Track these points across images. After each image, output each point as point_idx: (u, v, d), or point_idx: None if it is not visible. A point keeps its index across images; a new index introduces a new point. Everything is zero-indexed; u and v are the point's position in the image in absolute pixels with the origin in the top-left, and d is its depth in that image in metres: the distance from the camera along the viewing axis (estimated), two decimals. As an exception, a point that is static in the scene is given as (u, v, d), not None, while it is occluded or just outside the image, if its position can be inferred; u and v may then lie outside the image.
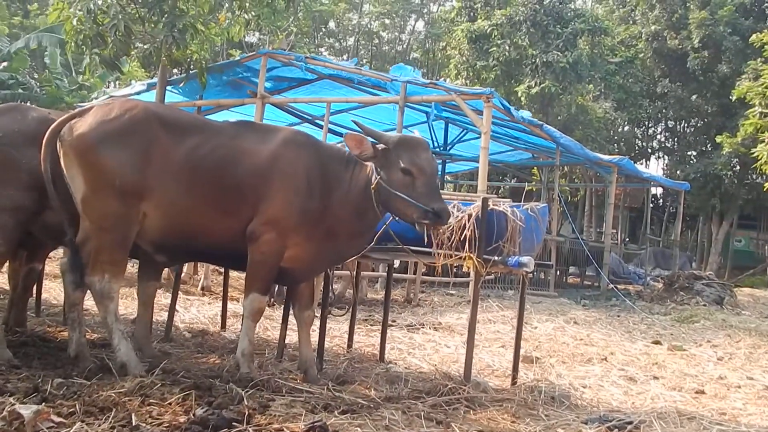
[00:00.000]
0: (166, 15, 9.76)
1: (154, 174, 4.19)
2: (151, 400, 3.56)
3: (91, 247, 4.19)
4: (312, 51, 28.28)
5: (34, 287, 5.95)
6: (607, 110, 25.72)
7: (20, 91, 17.52)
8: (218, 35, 11.54)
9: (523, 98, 22.38)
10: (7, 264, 5.91)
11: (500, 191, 25.52)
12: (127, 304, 6.77)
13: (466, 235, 4.61)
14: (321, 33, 38.70)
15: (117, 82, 20.86)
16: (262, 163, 4.33)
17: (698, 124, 28.79)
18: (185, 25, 9.70)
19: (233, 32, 11.33)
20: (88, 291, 4.40)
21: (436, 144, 15.95)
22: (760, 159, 14.94)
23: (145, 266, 4.84)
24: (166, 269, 6.44)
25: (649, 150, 32.20)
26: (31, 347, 4.72)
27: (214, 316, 7.17)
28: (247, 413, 3.42)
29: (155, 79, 12.25)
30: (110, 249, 4.19)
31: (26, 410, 3.03)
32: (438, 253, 4.70)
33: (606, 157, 16.76)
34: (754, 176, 24.13)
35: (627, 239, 27.90)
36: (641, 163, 30.33)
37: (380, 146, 4.30)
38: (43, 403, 3.33)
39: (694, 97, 26.52)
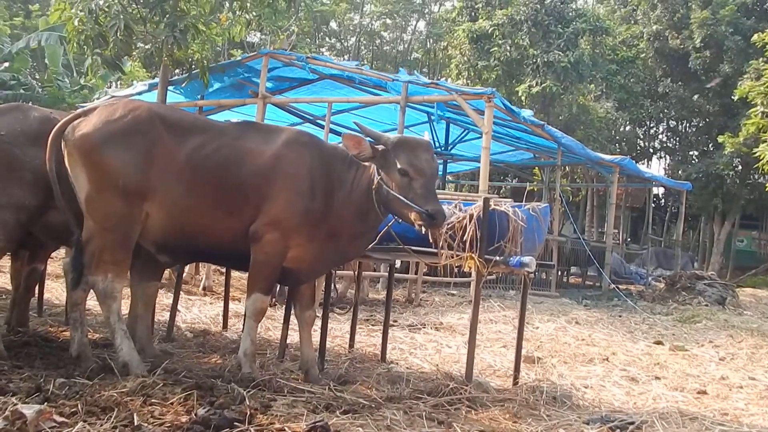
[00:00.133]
0: (167, 15, 9.77)
1: (158, 174, 4.20)
2: (153, 400, 3.56)
3: (94, 247, 4.20)
4: (313, 51, 28.26)
5: (37, 287, 5.96)
6: (609, 110, 25.70)
7: (22, 91, 17.54)
8: (219, 35, 11.55)
9: (524, 98, 22.36)
10: (9, 264, 5.94)
11: (502, 191, 25.52)
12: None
13: (467, 235, 4.61)
14: (322, 33, 38.70)
15: (119, 83, 20.87)
16: (265, 164, 4.33)
17: (700, 124, 28.77)
18: (186, 26, 9.70)
19: (234, 32, 11.34)
20: (90, 291, 4.42)
21: (437, 144, 15.96)
22: (762, 159, 14.91)
23: (147, 266, 4.84)
24: (167, 269, 6.45)
25: (651, 150, 32.18)
26: (34, 347, 4.72)
27: (216, 316, 7.17)
28: (248, 413, 3.42)
29: (157, 80, 12.26)
30: (113, 249, 4.20)
31: (29, 410, 3.04)
32: (439, 254, 4.71)
33: (607, 157, 16.75)
34: (756, 176, 24.12)
35: (629, 239, 27.87)
36: (643, 163, 30.33)
37: (380, 147, 4.29)
38: (46, 403, 3.34)
39: (695, 96, 26.49)
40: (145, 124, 4.25)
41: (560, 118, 22.89)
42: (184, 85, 12.66)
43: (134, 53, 10.93)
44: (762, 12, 25.40)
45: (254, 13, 11.37)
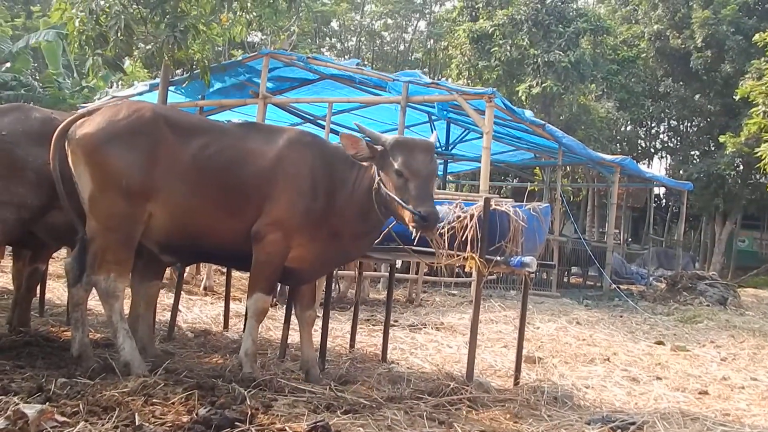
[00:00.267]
0: (167, 15, 9.78)
1: (161, 175, 4.22)
2: (154, 400, 3.57)
3: (97, 246, 4.21)
4: (314, 51, 28.28)
5: (38, 287, 5.97)
6: (610, 110, 25.71)
7: (23, 92, 17.55)
8: (220, 36, 11.55)
9: (524, 98, 22.36)
10: (11, 264, 5.95)
11: (502, 191, 25.51)
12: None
13: (468, 235, 4.61)
14: (323, 33, 38.72)
15: (120, 83, 20.89)
16: (268, 164, 4.34)
17: (701, 124, 28.77)
18: (187, 26, 9.71)
19: (235, 33, 11.35)
20: (91, 291, 4.43)
21: (438, 144, 15.95)
22: (764, 159, 14.92)
23: (148, 266, 4.84)
24: (168, 269, 6.46)
25: (652, 150, 32.19)
26: (35, 347, 4.72)
27: (217, 316, 7.18)
28: (249, 413, 3.42)
29: (158, 80, 12.27)
30: (116, 248, 4.21)
31: (30, 410, 3.04)
32: (440, 254, 4.71)
33: (608, 157, 16.74)
34: (758, 176, 24.10)
35: (630, 239, 27.87)
36: (644, 163, 30.35)
37: (378, 147, 4.29)
38: (47, 403, 3.34)
39: (697, 96, 26.48)
40: (149, 125, 4.27)
41: (561, 117, 22.89)
42: (184, 85, 12.67)
43: (135, 53, 10.93)
44: (763, 11, 25.40)
45: (255, 14, 11.38)
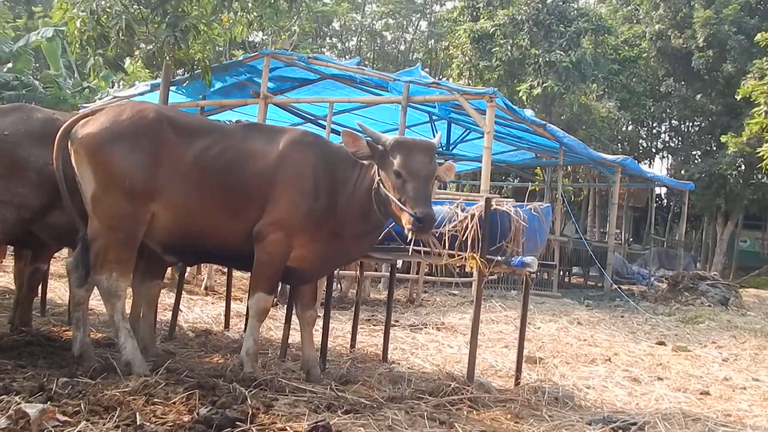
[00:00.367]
0: (168, 15, 9.78)
1: (164, 175, 4.23)
2: (155, 400, 3.57)
3: (99, 246, 4.22)
4: (315, 51, 28.28)
5: (40, 287, 5.97)
6: (611, 110, 25.69)
7: (24, 92, 17.57)
8: (221, 36, 11.55)
9: (525, 98, 22.35)
10: (13, 264, 5.96)
11: (503, 191, 25.50)
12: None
13: (469, 235, 4.61)
14: (324, 33, 38.73)
15: (121, 83, 20.91)
16: (270, 165, 4.35)
17: (703, 124, 28.74)
18: (187, 26, 9.72)
19: (236, 33, 11.33)
20: (93, 290, 4.44)
21: (440, 145, 15.93)
22: (766, 159, 14.91)
23: (150, 266, 4.85)
24: (169, 269, 6.47)
25: (653, 150, 32.17)
26: (37, 347, 4.73)
27: (218, 315, 7.18)
28: (250, 413, 3.43)
29: (159, 80, 12.28)
30: (118, 248, 4.22)
31: (32, 409, 3.05)
32: (436, 254, 4.71)
33: (610, 157, 16.73)
34: (760, 176, 24.10)
35: (631, 239, 27.85)
36: (645, 163, 30.34)
37: (379, 147, 4.29)
38: (49, 402, 3.35)
39: (698, 96, 26.46)
40: (153, 126, 4.28)
41: (562, 117, 22.87)
42: (185, 84, 12.67)
43: (136, 54, 10.94)
44: (765, 11, 25.40)
45: (256, 14, 11.38)
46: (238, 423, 3.28)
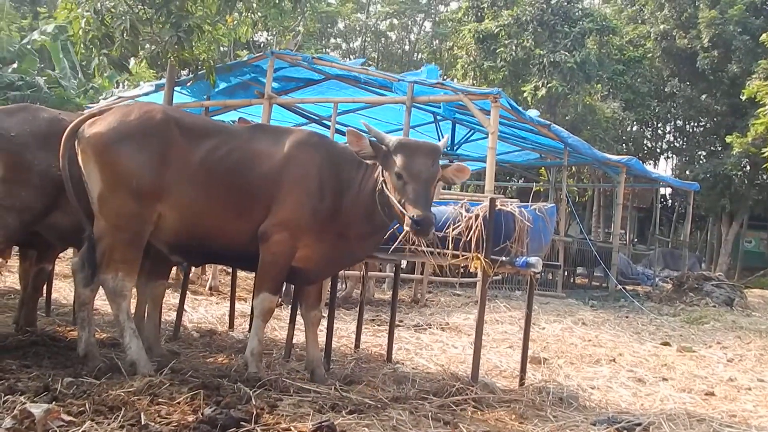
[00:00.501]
0: (172, 15, 9.80)
1: (172, 176, 4.25)
2: (159, 400, 3.58)
3: (105, 246, 4.23)
4: (319, 51, 28.29)
5: (45, 287, 5.99)
6: (615, 110, 25.65)
7: (29, 92, 17.62)
8: (226, 36, 11.57)
9: (529, 99, 22.33)
10: (18, 264, 5.98)
11: (508, 191, 25.48)
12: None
13: (473, 235, 4.61)
14: (328, 33, 38.75)
15: (125, 83, 20.97)
16: (276, 165, 4.36)
17: (708, 124, 28.68)
18: (191, 25, 9.73)
19: (241, 33, 11.35)
20: (98, 290, 4.44)
21: (444, 147, 15.90)
22: (771, 159, 14.88)
23: (154, 266, 4.86)
24: (174, 269, 6.48)
25: (658, 150, 32.10)
26: (42, 346, 4.75)
27: (222, 315, 7.19)
28: (255, 413, 3.43)
29: (163, 80, 12.30)
30: (124, 248, 4.23)
31: (37, 409, 3.05)
32: (444, 254, 4.71)
33: (614, 157, 16.69)
34: (765, 176, 24.00)
35: (636, 240, 27.81)
36: (650, 164, 30.25)
37: (383, 147, 4.29)
38: (54, 402, 3.35)
39: (703, 96, 26.40)
40: (160, 127, 4.30)
41: (566, 118, 22.84)
42: (189, 84, 12.70)
43: (140, 54, 10.96)
44: (770, 11, 25.33)
45: (260, 14, 11.39)
46: (242, 423, 3.28)
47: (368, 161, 4.34)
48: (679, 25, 25.71)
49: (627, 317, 10.75)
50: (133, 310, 4.73)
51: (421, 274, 10.73)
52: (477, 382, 4.70)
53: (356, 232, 4.47)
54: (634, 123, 29.20)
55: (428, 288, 11.15)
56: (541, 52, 22.27)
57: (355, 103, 13.56)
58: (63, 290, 7.55)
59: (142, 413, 3.31)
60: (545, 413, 4.31)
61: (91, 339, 4.38)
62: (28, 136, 4.51)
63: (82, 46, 10.12)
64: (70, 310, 6.12)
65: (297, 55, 12.86)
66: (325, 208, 4.35)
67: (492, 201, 4.70)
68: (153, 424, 3.22)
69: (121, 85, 21.58)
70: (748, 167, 24.20)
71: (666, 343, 8.19)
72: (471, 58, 24.37)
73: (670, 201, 32.57)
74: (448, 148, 16.33)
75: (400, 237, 4.68)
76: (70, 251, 6.85)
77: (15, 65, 18.81)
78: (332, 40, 40.16)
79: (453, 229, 4.71)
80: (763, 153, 15.58)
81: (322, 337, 5.17)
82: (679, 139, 31.96)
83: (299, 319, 4.99)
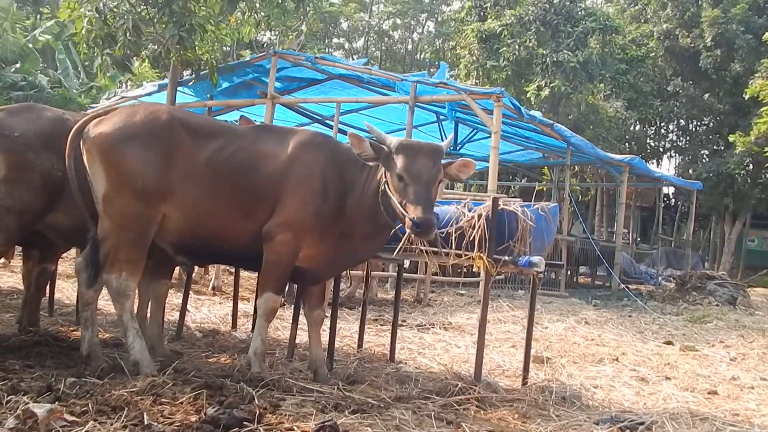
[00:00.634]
0: (175, 15, 9.81)
1: (176, 177, 4.25)
2: (162, 400, 3.58)
3: (109, 246, 4.24)
4: (322, 51, 28.31)
5: (48, 287, 6.00)
6: (618, 109, 25.62)
7: (32, 92, 17.66)
8: (229, 35, 11.58)
9: (533, 99, 22.31)
10: (21, 264, 5.99)
11: (510, 191, 25.47)
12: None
13: (476, 235, 4.60)
14: (331, 33, 38.77)
15: (128, 83, 20.98)
16: (280, 166, 4.37)
17: (711, 123, 28.64)
18: (192, 25, 9.74)
19: (244, 33, 11.35)
20: (102, 290, 4.45)
21: (448, 147, 15.90)
22: (773, 158, 14.84)
23: (157, 265, 4.87)
24: (177, 268, 6.48)
25: (661, 149, 32.06)
26: (45, 347, 4.75)
27: (225, 315, 7.20)
28: (257, 412, 3.43)
29: (166, 80, 12.32)
30: (128, 248, 4.24)
31: (40, 409, 3.06)
32: (447, 254, 4.70)
33: (617, 157, 16.68)
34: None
35: (638, 239, 27.77)
36: (653, 163, 30.22)
37: (385, 149, 4.28)
38: (57, 402, 3.36)
39: (706, 95, 26.36)
40: (166, 127, 4.30)
41: (569, 117, 22.83)
42: (191, 84, 12.71)
43: (143, 53, 10.98)
44: (773, 10, 25.26)
45: (263, 14, 11.40)
46: (245, 423, 3.29)
47: (370, 163, 4.34)
48: (681, 24, 25.68)
49: (630, 316, 10.74)
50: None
51: (424, 273, 10.73)
52: (480, 381, 4.70)
53: (360, 233, 4.47)
54: (637, 122, 29.16)
55: (431, 287, 11.15)
56: (544, 51, 22.25)
57: (357, 103, 13.57)
58: (66, 290, 7.57)
59: (145, 413, 3.31)
60: (548, 412, 4.30)
61: (95, 339, 4.39)
62: (32, 135, 4.50)
63: (84, 45, 10.14)
64: (73, 310, 6.13)
65: (300, 54, 12.86)
66: (328, 209, 4.36)
67: (495, 200, 4.70)
68: (156, 424, 3.22)
69: (124, 84, 21.61)
70: (751, 166, 24.17)
71: (669, 342, 8.18)
72: (474, 58, 24.37)
73: (673, 200, 32.52)
74: (452, 148, 16.33)
75: (403, 238, 4.68)
76: (73, 251, 6.86)
77: (18, 65, 18.85)
78: (335, 40, 40.20)
79: (456, 229, 4.71)
80: (766, 152, 15.54)
81: (325, 337, 5.17)
82: (682, 138, 31.91)
83: (302, 318, 4.99)
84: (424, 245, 4.71)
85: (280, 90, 12.79)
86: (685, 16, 25.41)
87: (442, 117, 14.79)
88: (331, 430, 3.29)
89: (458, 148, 16.77)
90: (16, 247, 6.23)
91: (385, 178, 4.25)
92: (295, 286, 5.86)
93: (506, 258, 4.62)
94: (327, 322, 5.38)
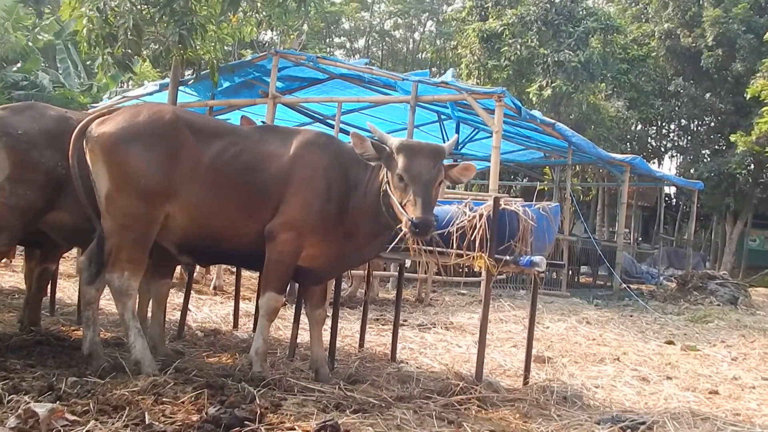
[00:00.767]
0: (175, 14, 9.81)
1: (180, 177, 4.25)
2: (164, 399, 3.58)
3: (112, 245, 4.24)
4: (323, 51, 28.30)
5: (49, 287, 6.00)
6: (620, 109, 25.60)
7: (33, 91, 17.67)
8: (230, 35, 11.58)
9: (534, 99, 22.30)
10: (23, 264, 5.99)
11: (512, 191, 25.45)
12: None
13: (477, 234, 4.60)
14: (333, 33, 38.78)
15: (129, 83, 20.99)
16: (284, 166, 4.37)
17: (712, 123, 28.62)
18: (193, 25, 9.75)
19: (245, 32, 11.35)
20: (103, 290, 4.45)
21: (452, 147, 15.88)
22: (775, 157, 14.83)
23: (159, 265, 4.87)
24: (178, 268, 6.48)
25: (662, 149, 32.03)
26: (46, 346, 4.75)
27: (227, 315, 7.20)
28: (259, 412, 3.43)
29: (167, 80, 12.32)
30: (130, 247, 4.24)
31: (41, 408, 3.06)
32: (449, 254, 4.70)
33: (618, 156, 16.67)
34: (769, 175, 24.00)
35: (640, 239, 27.72)
36: (654, 162, 30.20)
37: (386, 149, 4.28)
38: (58, 402, 3.36)
39: (707, 95, 26.34)
40: (170, 127, 4.30)
41: (571, 117, 22.81)
42: (191, 83, 12.71)
43: (144, 53, 10.98)
44: (775, 10, 25.24)
45: (265, 13, 11.40)
46: (246, 422, 3.29)
47: (372, 163, 4.34)
48: (683, 23, 25.66)
49: (631, 316, 10.74)
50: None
51: (425, 273, 10.73)
52: (481, 381, 4.70)
53: (363, 233, 4.47)
54: (639, 122, 29.13)
55: (432, 287, 11.15)
56: (545, 51, 22.24)
57: (359, 103, 13.57)
58: (67, 290, 7.57)
59: (146, 412, 3.31)
60: (549, 412, 4.30)
61: (96, 338, 4.39)
62: (36, 134, 4.50)
63: (85, 44, 10.14)
64: (75, 309, 6.13)
65: (301, 54, 12.87)
66: (332, 208, 4.36)
67: (496, 200, 4.70)
68: (157, 423, 3.22)
69: (125, 84, 21.62)
70: (753, 166, 24.17)
71: (670, 342, 8.18)
72: (475, 58, 24.36)
73: (674, 200, 32.46)
74: (454, 148, 16.31)
75: (398, 237, 4.67)
76: (73, 251, 6.86)
77: (19, 65, 18.86)
78: (336, 40, 40.21)
79: (457, 229, 4.70)
80: (767, 151, 15.53)
81: (326, 337, 5.17)
82: (683, 138, 31.87)
83: (303, 318, 5.00)
84: (422, 245, 4.70)
85: (281, 89, 12.79)
86: (687, 16, 25.39)
87: (443, 117, 14.78)
88: (332, 430, 3.29)
89: (460, 147, 16.77)
90: (18, 246, 6.23)
91: (387, 178, 4.25)
92: (297, 285, 5.86)
93: (507, 258, 4.62)
94: (328, 322, 5.38)
